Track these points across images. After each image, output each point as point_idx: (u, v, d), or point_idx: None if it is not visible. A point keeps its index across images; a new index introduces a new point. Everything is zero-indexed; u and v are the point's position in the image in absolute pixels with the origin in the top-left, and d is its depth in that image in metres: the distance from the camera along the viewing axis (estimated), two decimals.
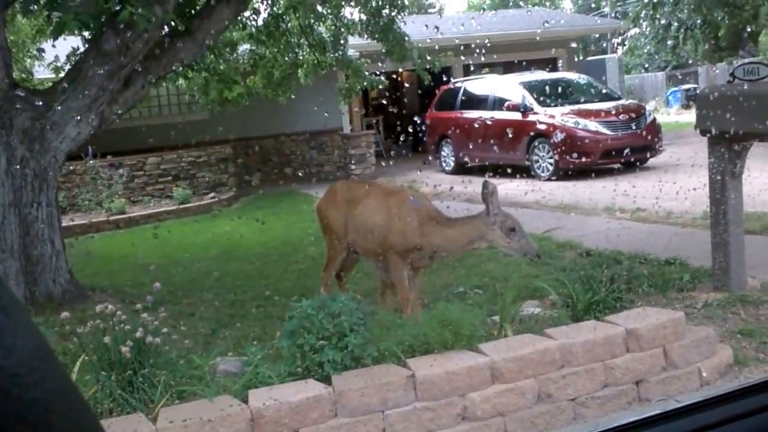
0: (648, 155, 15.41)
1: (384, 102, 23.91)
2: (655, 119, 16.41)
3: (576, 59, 23.73)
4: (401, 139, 21.55)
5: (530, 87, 16.75)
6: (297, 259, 9.35)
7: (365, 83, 12.37)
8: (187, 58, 8.48)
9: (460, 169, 17.31)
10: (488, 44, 18.71)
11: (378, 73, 13.00)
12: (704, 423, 1.41)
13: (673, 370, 4.91)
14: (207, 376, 4.56)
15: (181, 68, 9.48)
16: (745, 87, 6.06)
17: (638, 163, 15.17)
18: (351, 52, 12.57)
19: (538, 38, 20.65)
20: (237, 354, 5.31)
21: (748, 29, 22.17)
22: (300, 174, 18.54)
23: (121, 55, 7.39)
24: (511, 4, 42.98)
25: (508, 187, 13.66)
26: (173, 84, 13.50)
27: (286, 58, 11.93)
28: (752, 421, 1.41)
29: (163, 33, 8.12)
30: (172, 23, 7.95)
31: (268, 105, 14.04)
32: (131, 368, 4.40)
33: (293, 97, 12.99)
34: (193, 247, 11.03)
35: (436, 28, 15.35)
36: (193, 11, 8.54)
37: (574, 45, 21.33)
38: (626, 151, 14.55)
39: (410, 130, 21.41)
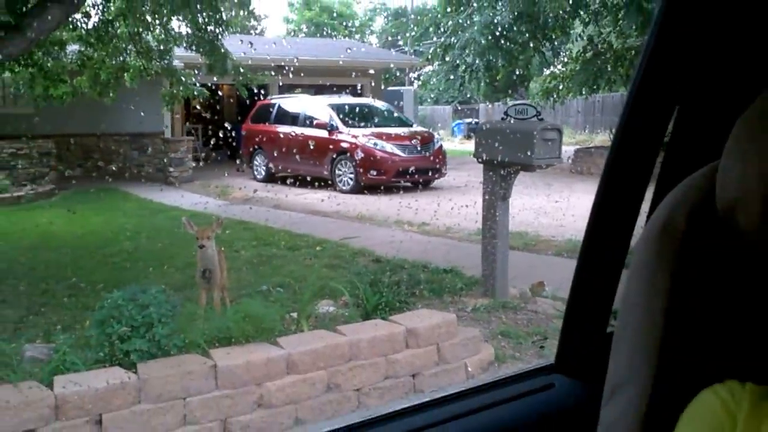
0: (434, 176, 15.97)
1: (205, 111, 23.28)
2: (441, 146, 17.00)
3: (379, 88, 24.22)
4: (219, 146, 21.04)
5: (337, 108, 16.88)
6: (112, 252, 8.86)
7: (188, 92, 11.99)
8: (14, 52, 7.82)
9: (271, 178, 17.16)
10: (300, 67, 18.72)
11: (202, 84, 12.64)
12: (469, 408, 1.46)
13: (445, 365, 5.11)
14: (14, 361, 4.23)
15: (7, 62, 8.74)
16: (513, 124, 6.47)
17: (424, 183, 15.69)
18: (176, 62, 12.14)
19: (341, 64, 20.90)
20: (46, 342, 4.96)
21: (522, 76, 23.61)
22: (120, 173, 17.63)
23: None
24: (324, 34, 43.26)
25: (313, 197, 13.72)
26: None
27: (114, 62, 11.31)
28: (509, 406, 1.49)
29: None
30: (1, 18, 7.31)
31: (93, 104, 13.23)
32: None
33: (118, 98, 12.35)
34: (7, 236, 10.17)
35: (252, 45, 15.11)
36: (24, 8, 7.90)
37: (372, 72, 21.78)
38: (416, 171, 15.01)
39: (228, 139, 20.98)
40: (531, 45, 18.37)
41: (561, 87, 19.65)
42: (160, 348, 4.39)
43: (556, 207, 10.58)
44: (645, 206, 1.37)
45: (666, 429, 0.86)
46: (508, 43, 17.84)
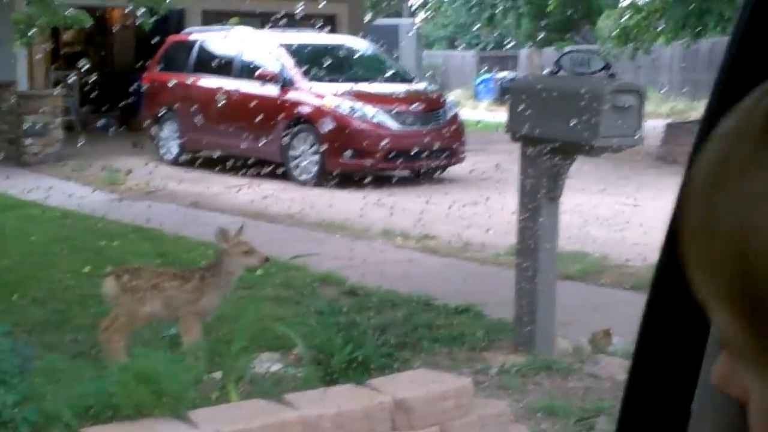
0: (446, 162, 15.89)
1: (84, 51, 23.21)
2: (457, 115, 16.93)
3: (362, 20, 24.22)
4: (105, 107, 20.95)
5: (294, 51, 16.83)
6: None
7: (57, 19, 11.96)
8: None
9: (187, 159, 17.11)
10: None
11: (80, 7, 12.62)
12: None
13: None
14: None
15: None
16: (569, 81, 6.41)
17: (430, 172, 15.65)
18: None
19: None
20: None
21: (586, 8, 23.70)
22: None
23: None
24: None
25: (253, 192, 13.66)
26: None
27: None
28: None
29: None
30: None
31: None
32: None
33: None
34: None
35: None
36: None
37: None
38: (418, 153, 14.92)
39: (120, 95, 20.90)
40: None
41: (646, 27, 19.59)
42: (2, 424, 4.37)
43: (634, 213, 10.55)
44: None
45: None
46: None
